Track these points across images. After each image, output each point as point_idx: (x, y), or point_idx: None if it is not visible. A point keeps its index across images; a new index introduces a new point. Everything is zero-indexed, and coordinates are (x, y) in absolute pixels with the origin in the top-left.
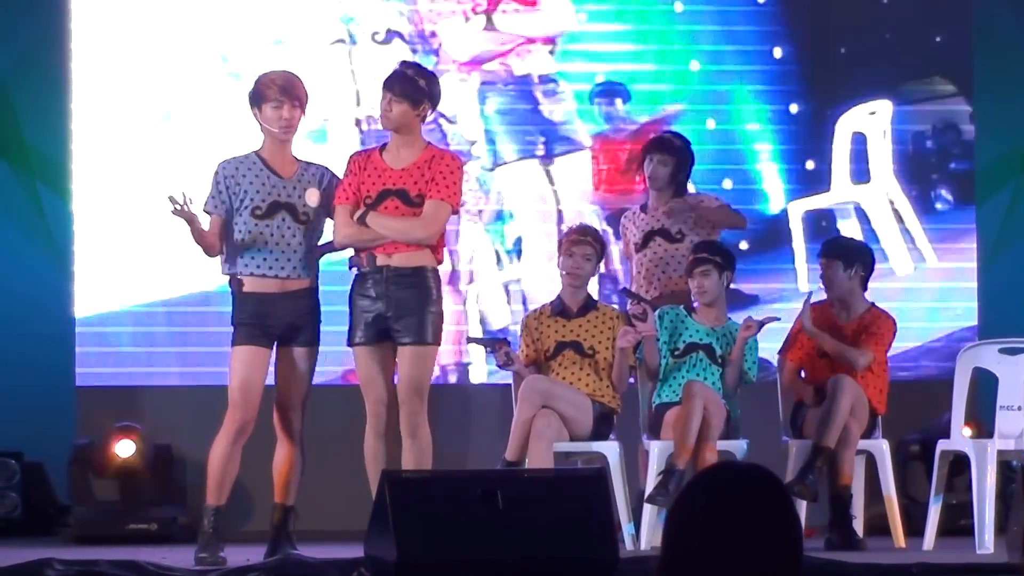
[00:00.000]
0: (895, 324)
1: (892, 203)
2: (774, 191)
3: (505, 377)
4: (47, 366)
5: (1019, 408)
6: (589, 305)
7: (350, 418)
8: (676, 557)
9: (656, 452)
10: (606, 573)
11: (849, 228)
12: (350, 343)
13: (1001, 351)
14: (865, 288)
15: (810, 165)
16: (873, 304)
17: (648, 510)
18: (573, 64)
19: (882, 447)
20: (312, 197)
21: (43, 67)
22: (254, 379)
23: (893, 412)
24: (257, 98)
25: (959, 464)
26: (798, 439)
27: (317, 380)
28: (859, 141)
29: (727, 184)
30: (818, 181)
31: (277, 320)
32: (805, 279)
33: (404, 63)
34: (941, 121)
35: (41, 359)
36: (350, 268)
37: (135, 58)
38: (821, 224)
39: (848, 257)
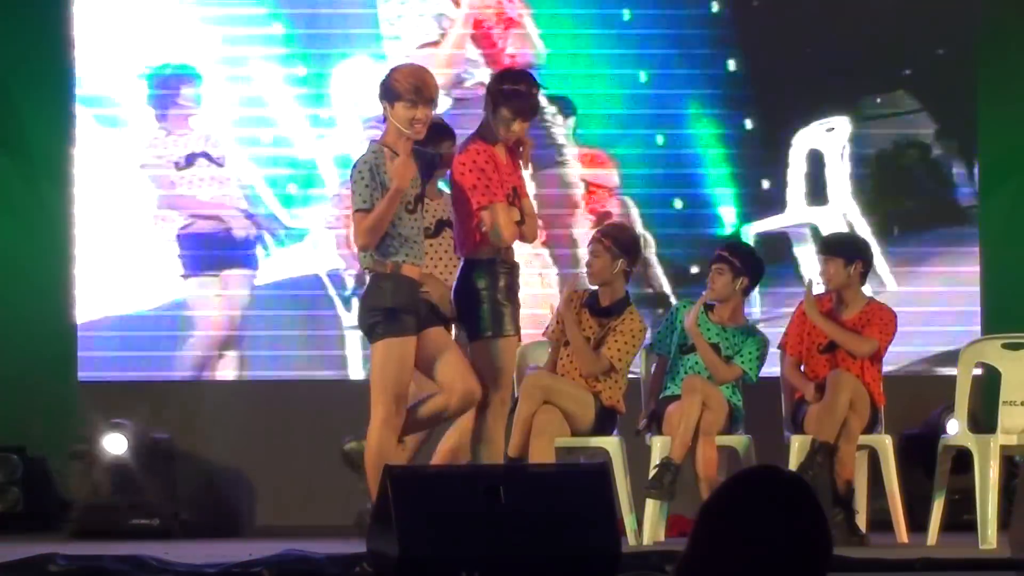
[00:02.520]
0: (896, 316)
1: (850, 225)
2: (727, 212)
3: None
4: (49, 361)
5: (1022, 403)
6: (619, 307)
7: (353, 414)
8: (701, 557)
9: (657, 447)
10: (609, 568)
11: (805, 252)
12: (498, 334)
13: (1004, 346)
14: (863, 282)
15: (765, 184)
16: (872, 298)
17: (650, 505)
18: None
19: (884, 442)
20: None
21: (45, 64)
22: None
23: (895, 407)
24: (390, 95)
25: (962, 459)
26: (799, 435)
27: (318, 376)
28: (816, 159)
29: (678, 204)
30: (772, 202)
31: (422, 307)
32: (758, 303)
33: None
34: (904, 138)
35: (43, 354)
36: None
37: (137, 54)
38: (776, 247)
39: (849, 253)
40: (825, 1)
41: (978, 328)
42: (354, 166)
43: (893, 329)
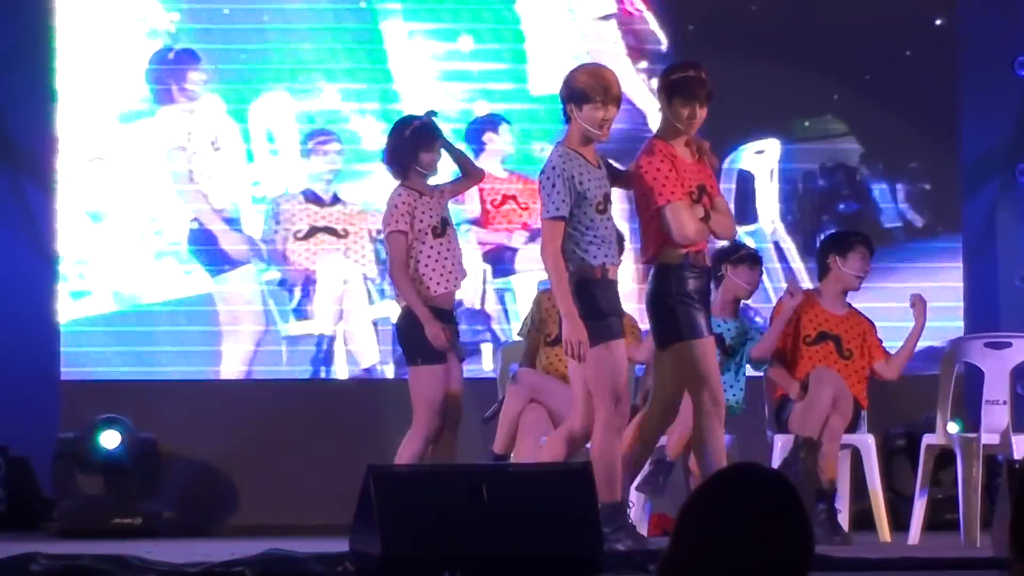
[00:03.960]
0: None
1: (778, 244)
2: None
3: (487, 372)
4: (32, 360)
5: (1004, 402)
6: None
7: (337, 413)
8: (683, 556)
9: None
10: (592, 567)
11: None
12: (696, 336)
13: (986, 345)
14: None
15: None
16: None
17: (635, 505)
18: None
19: (867, 441)
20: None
21: (28, 63)
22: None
23: (878, 406)
24: (578, 96)
25: (945, 458)
26: (783, 433)
27: (292, 375)
28: (746, 180)
29: None
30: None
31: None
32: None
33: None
34: (831, 160)
35: (26, 353)
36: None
37: (119, 54)
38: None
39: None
40: (759, 26)
41: (960, 327)
42: (543, 172)
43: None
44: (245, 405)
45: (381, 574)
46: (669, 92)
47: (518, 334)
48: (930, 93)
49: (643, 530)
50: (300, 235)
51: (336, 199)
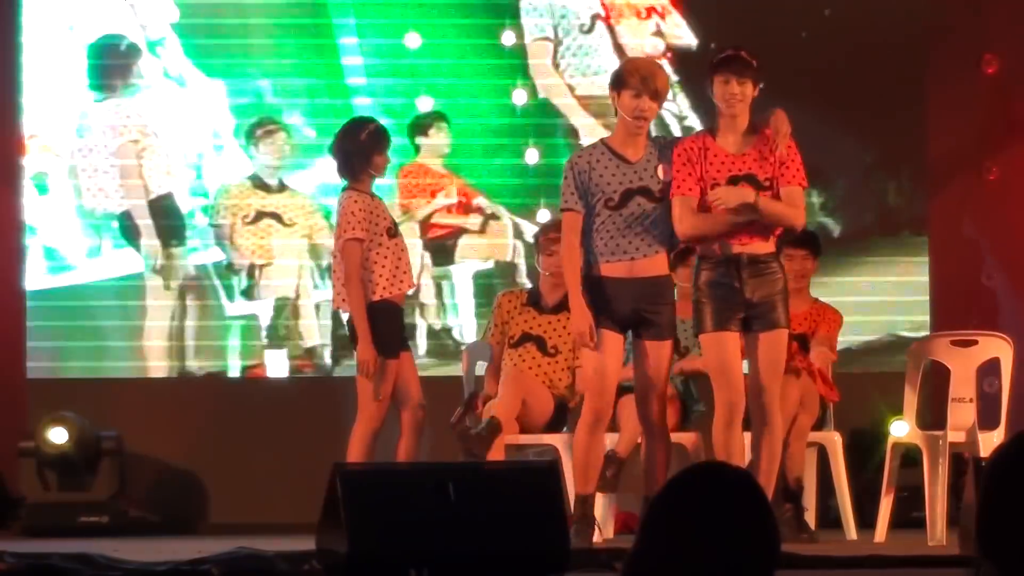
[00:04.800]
0: (842, 317)
1: None
2: None
3: (449, 369)
4: None
5: (971, 400)
6: (565, 303)
7: (301, 411)
8: (648, 554)
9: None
10: (558, 565)
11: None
12: (702, 331)
13: (953, 343)
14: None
15: None
16: (817, 299)
17: (600, 503)
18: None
19: (834, 439)
20: (664, 171)
21: None
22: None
23: (845, 404)
24: (618, 83)
25: (911, 456)
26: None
27: (271, 373)
28: None
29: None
30: None
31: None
32: None
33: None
34: None
35: None
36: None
37: (85, 49)
38: None
39: (817, 247)
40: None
41: (927, 324)
42: (569, 162)
43: (839, 327)
44: (210, 403)
45: (348, 572)
46: (712, 75)
47: (483, 338)
48: (898, 90)
49: (609, 529)
50: (247, 220)
51: (283, 186)
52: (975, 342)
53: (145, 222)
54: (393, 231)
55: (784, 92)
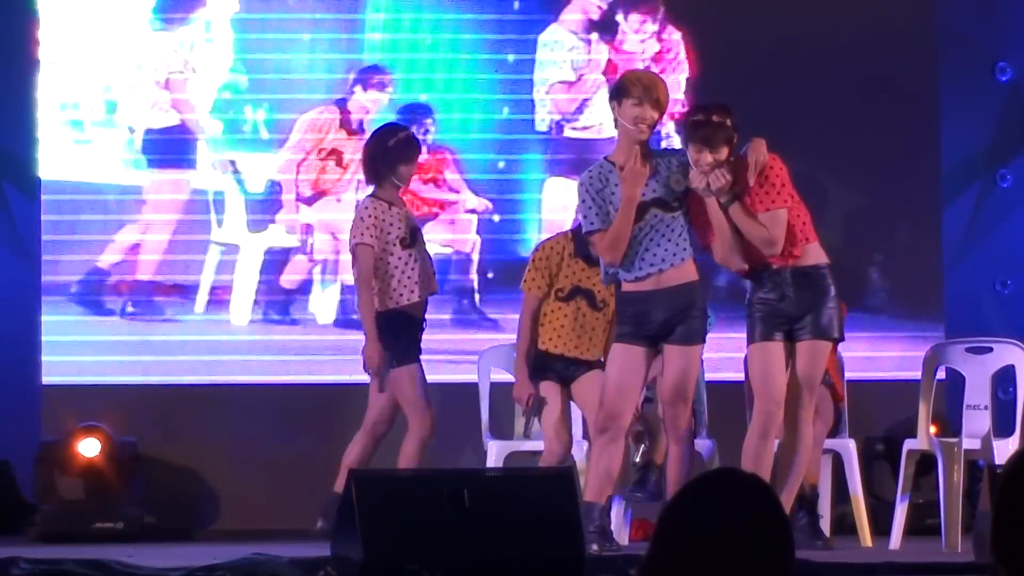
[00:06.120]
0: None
1: None
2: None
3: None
4: (13, 364)
5: (985, 407)
6: None
7: (318, 417)
8: (663, 561)
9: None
10: (573, 572)
11: None
12: (764, 338)
13: (968, 350)
14: None
15: None
16: None
17: (615, 510)
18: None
19: (848, 446)
20: (676, 182)
21: (9, 66)
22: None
23: (859, 411)
24: (620, 92)
25: (926, 463)
26: None
27: (273, 381)
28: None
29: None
30: None
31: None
32: None
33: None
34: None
35: (7, 357)
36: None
37: (101, 55)
38: None
39: None
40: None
41: (941, 332)
42: (580, 183)
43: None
44: (226, 410)
45: None
46: (684, 140)
47: (522, 286)
48: (911, 98)
49: (624, 536)
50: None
51: None
52: (990, 349)
53: None
54: (408, 241)
55: (796, 101)
